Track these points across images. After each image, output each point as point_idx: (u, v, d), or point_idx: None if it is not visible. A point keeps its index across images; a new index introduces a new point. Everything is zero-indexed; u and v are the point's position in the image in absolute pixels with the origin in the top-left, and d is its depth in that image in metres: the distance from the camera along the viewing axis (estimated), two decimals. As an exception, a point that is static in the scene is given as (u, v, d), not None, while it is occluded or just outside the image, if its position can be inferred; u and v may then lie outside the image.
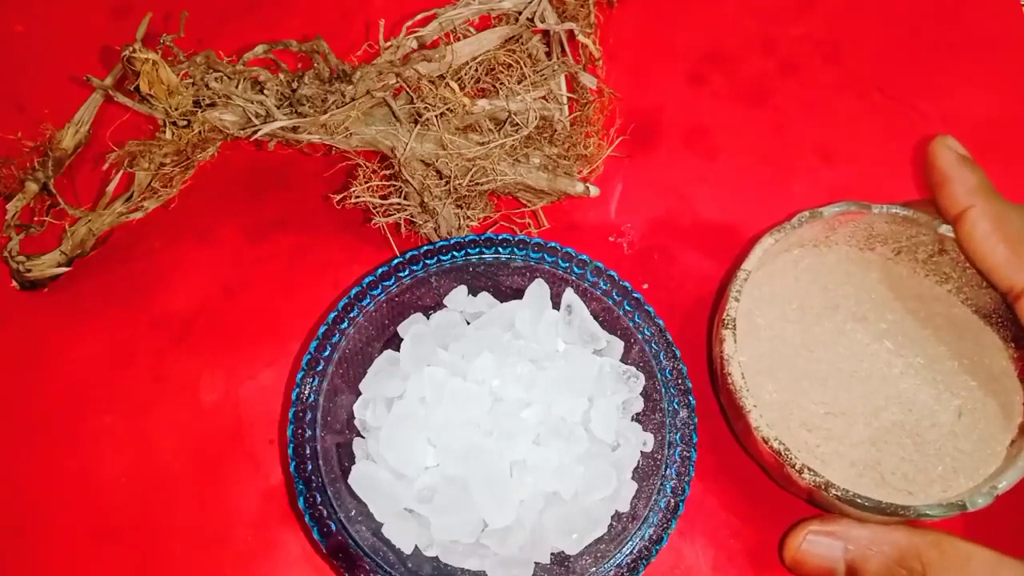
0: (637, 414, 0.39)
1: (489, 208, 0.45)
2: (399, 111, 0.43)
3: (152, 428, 0.43)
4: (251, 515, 0.41)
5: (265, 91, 0.43)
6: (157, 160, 0.44)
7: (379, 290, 0.40)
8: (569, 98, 0.46)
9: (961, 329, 0.39)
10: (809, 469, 0.34)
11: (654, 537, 0.36)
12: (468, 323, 0.41)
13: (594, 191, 0.45)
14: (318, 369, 0.38)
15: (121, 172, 0.45)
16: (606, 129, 0.47)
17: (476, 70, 0.45)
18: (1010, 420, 0.37)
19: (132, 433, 0.43)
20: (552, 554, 0.37)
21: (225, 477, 0.42)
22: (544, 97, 0.45)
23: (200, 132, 0.44)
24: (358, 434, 0.39)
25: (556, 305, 0.40)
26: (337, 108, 0.42)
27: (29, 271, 0.45)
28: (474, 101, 0.43)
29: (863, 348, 0.39)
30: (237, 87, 0.43)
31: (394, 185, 0.44)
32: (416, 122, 0.43)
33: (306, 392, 0.38)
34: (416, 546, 0.37)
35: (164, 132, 0.44)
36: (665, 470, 0.37)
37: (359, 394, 0.40)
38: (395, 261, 0.40)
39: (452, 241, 0.40)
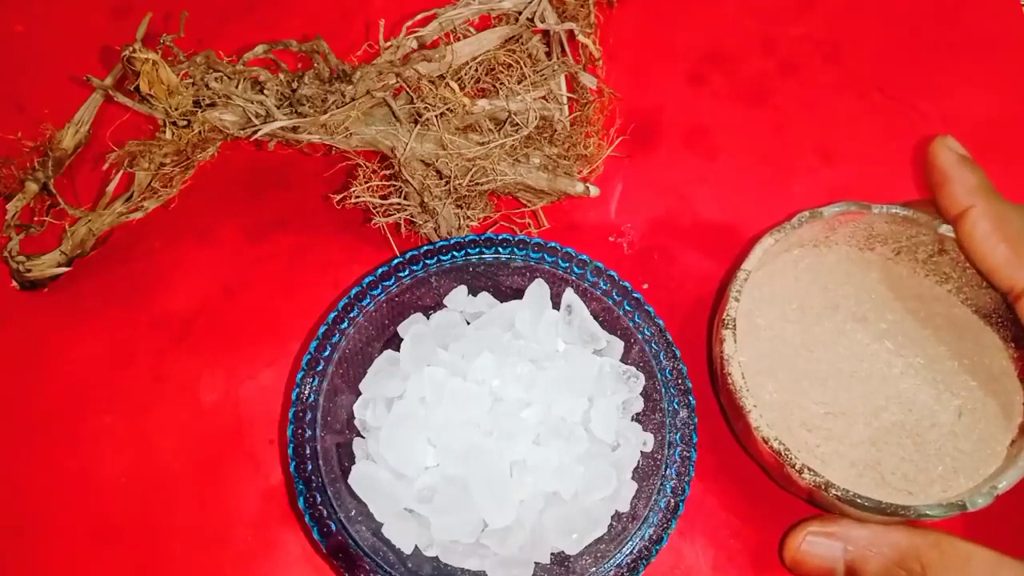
0: (637, 414, 0.39)
1: (489, 208, 0.45)
2: (399, 111, 0.43)
3: (152, 428, 0.43)
4: (251, 515, 0.42)
5: (265, 91, 0.43)
6: (157, 160, 0.44)
7: (379, 290, 0.40)
8: (569, 98, 0.46)
9: (961, 329, 0.39)
10: (809, 469, 0.34)
11: (654, 537, 0.36)
12: (468, 323, 0.41)
13: (594, 191, 0.45)
14: (318, 369, 0.38)
15: (121, 172, 0.45)
16: (606, 129, 0.47)
17: (476, 70, 0.45)
18: (1010, 420, 0.37)
19: (132, 433, 0.43)
20: (552, 554, 0.37)
21: (225, 477, 0.42)
22: (544, 97, 0.45)
23: (200, 132, 0.44)
24: (358, 434, 0.39)
25: (556, 305, 0.40)
26: (337, 108, 0.42)
27: (29, 271, 0.45)
28: (474, 101, 0.43)
29: (863, 348, 0.39)
30: (237, 87, 0.43)
31: (394, 185, 0.44)
32: (416, 122, 0.43)
33: (306, 392, 0.38)
34: (416, 546, 0.37)
35: (164, 132, 0.44)
36: (665, 470, 0.37)
37: (359, 394, 0.40)
38: (395, 261, 0.40)
39: (452, 241, 0.40)
